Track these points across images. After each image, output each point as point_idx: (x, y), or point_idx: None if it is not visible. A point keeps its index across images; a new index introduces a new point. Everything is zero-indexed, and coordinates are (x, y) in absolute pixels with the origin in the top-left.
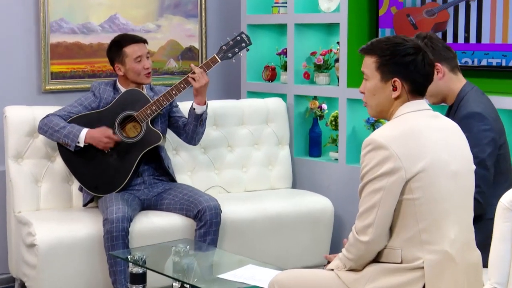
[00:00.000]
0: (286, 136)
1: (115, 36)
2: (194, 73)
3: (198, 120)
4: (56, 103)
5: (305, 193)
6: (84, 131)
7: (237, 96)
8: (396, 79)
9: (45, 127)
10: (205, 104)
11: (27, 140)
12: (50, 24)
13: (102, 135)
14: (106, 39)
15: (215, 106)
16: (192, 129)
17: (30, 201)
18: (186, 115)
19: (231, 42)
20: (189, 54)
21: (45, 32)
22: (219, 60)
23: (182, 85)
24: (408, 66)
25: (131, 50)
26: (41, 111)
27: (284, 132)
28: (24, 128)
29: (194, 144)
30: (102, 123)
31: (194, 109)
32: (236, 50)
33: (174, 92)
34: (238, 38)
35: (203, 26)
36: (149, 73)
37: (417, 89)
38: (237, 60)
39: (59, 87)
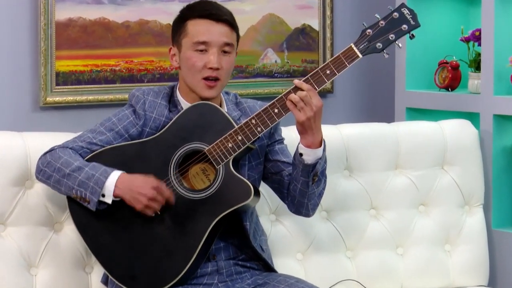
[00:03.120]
0: (479, 190)
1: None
2: (297, 89)
3: (310, 175)
4: (64, 127)
5: None
6: (115, 174)
7: (388, 117)
8: None
9: (48, 169)
10: (320, 145)
11: (15, 193)
12: None
13: (144, 184)
14: (154, 13)
15: (346, 134)
16: (300, 190)
17: None
18: None
19: (382, 22)
20: (302, 40)
21: (47, 3)
22: (360, 55)
23: (281, 108)
24: None
25: (194, 28)
26: (39, 141)
27: (476, 184)
28: (9, 172)
29: (307, 215)
30: (147, 164)
31: (301, 155)
32: (392, 37)
33: (276, 111)
34: (396, 15)
35: None
36: (215, 78)
37: None
38: (387, 50)
39: (70, 98)
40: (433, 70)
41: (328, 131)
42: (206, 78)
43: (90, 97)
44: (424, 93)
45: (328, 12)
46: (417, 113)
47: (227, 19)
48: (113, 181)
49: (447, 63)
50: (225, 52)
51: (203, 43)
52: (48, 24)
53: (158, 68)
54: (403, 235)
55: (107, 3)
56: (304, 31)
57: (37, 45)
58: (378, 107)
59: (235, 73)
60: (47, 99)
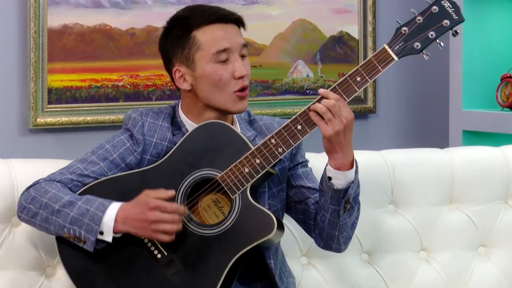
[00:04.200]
0: None
1: (179, 9)
2: (321, 99)
3: (341, 203)
4: (58, 153)
5: None
6: (115, 206)
7: (442, 142)
8: None
9: (33, 206)
10: (352, 167)
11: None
12: None
13: (144, 207)
14: (164, 19)
15: (391, 162)
16: (329, 221)
17: None
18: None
19: (419, 18)
20: (339, 50)
21: (38, 7)
22: (395, 57)
23: (304, 124)
24: None
25: (209, 36)
26: (27, 170)
27: None
28: None
29: (338, 250)
30: None
31: (329, 179)
32: (432, 34)
33: (299, 127)
34: (435, 9)
35: None
36: (244, 88)
37: None
38: (439, 62)
39: (64, 119)
40: (494, 86)
41: (370, 158)
42: (237, 90)
43: (89, 118)
44: (483, 113)
45: (369, 17)
46: (475, 137)
47: (238, 19)
48: (111, 216)
49: (511, 77)
50: (242, 55)
51: (224, 50)
52: (39, 32)
53: (169, 84)
54: (459, 281)
55: (109, 7)
56: (341, 39)
57: (26, 56)
58: (429, 129)
59: (260, 90)
60: (38, 120)
